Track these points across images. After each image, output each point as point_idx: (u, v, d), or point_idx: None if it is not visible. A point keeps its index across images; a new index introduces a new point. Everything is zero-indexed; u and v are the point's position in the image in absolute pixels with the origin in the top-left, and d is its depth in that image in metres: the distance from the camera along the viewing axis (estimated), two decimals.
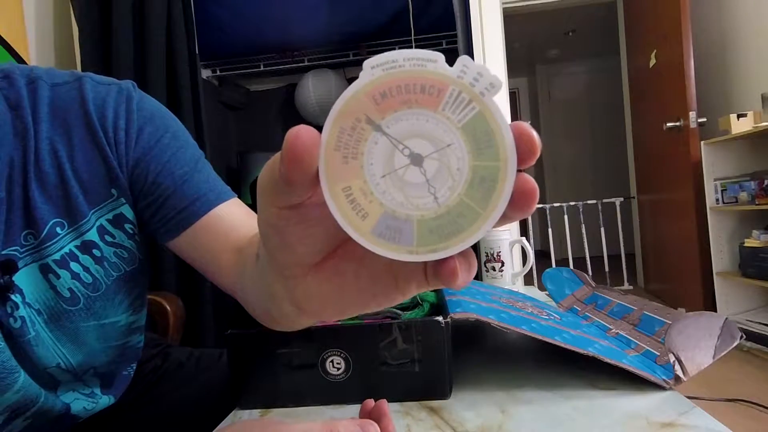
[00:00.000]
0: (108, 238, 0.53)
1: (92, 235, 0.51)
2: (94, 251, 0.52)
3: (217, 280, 0.53)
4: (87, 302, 0.52)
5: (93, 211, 0.51)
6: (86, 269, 0.51)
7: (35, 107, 0.49)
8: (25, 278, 0.48)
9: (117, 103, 0.52)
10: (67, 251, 0.50)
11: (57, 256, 0.49)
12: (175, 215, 0.52)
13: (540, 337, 0.50)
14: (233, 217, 0.53)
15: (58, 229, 0.49)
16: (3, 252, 0.46)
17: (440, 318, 0.51)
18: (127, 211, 0.53)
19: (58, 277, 0.49)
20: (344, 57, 2.77)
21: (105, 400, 0.59)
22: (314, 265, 0.24)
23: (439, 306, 0.64)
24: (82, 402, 0.56)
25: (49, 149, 0.49)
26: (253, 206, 0.59)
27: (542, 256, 4.54)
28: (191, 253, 0.54)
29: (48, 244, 0.49)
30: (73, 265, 0.50)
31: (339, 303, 0.25)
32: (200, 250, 0.53)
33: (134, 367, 0.66)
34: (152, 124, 0.53)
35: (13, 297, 0.47)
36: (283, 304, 0.28)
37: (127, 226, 0.54)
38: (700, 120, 2.56)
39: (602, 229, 3.54)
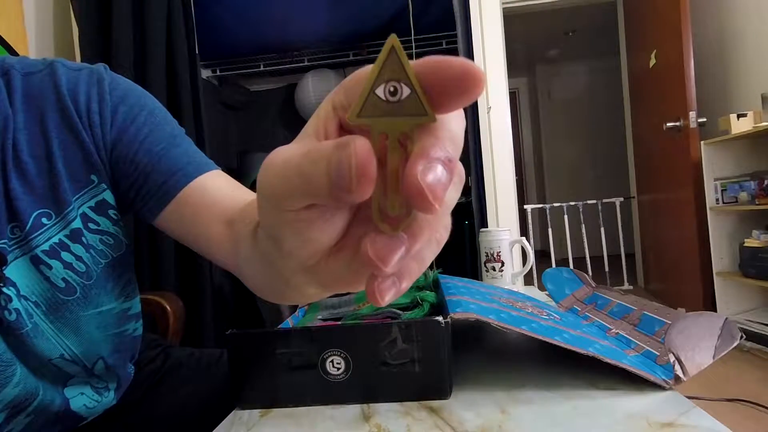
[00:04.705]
0: (92, 226, 0.52)
1: (78, 224, 0.51)
2: (83, 239, 0.51)
3: (212, 256, 0.51)
4: (83, 291, 0.51)
5: (75, 198, 0.51)
6: (78, 258, 0.51)
7: (11, 98, 0.48)
8: (16, 271, 0.47)
9: (89, 86, 0.51)
10: (56, 241, 0.49)
11: (46, 247, 0.49)
12: (156, 191, 0.51)
13: (540, 337, 0.50)
14: (217, 189, 0.51)
15: (44, 220, 0.48)
16: None
17: (440, 318, 0.51)
18: (108, 197, 0.53)
19: (50, 267, 0.49)
20: (344, 57, 2.76)
21: (107, 400, 0.60)
22: (335, 244, 0.22)
23: (439, 306, 0.64)
24: (83, 399, 0.56)
25: (27, 140, 0.48)
26: None
27: (542, 256, 4.54)
28: (179, 229, 0.52)
29: (34, 235, 0.48)
30: (64, 255, 0.50)
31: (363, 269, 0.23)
32: (187, 224, 0.51)
33: (133, 368, 0.66)
34: (125, 103, 0.52)
35: (5, 290, 0.46)
36: (306, 287, 0.26)
37: (111, 212, 0.53)
38: (700, 120, 2.56)
39: (602, 229, 3.54)
